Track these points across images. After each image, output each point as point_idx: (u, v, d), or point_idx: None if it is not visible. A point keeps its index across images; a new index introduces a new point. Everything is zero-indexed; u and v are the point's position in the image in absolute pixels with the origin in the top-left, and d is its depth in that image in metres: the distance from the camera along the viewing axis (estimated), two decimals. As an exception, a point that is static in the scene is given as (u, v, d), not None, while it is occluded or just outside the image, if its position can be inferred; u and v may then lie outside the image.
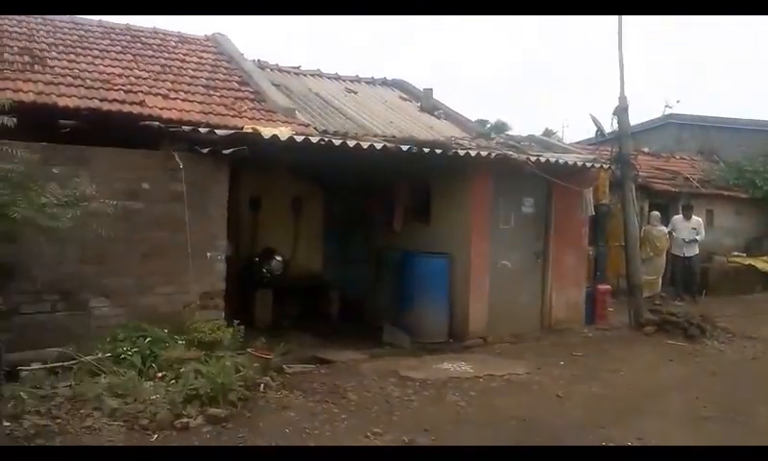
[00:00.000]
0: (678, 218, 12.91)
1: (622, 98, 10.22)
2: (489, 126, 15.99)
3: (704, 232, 12.85)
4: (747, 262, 14.29)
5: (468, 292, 8.54)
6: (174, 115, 8.28)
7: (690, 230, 12.64)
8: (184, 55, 10.58)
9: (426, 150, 7.81)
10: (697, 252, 12.72)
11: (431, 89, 13.28)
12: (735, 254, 14.67)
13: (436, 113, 12.68)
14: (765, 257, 14.69)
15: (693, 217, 12.83)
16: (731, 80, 40.69)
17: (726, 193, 15.12)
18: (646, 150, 16.77)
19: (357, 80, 13.60)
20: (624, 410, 6.07)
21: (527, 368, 7.35)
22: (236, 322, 6.17)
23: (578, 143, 15.82)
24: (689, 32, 37.00)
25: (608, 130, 10.78)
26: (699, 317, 9.68)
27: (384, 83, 14.05)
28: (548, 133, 19.97)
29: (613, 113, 10.35)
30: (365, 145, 7.34)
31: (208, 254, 6.61)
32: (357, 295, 9.67)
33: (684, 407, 6.25)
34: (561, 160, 9.12)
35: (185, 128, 7.10)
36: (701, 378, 7.40)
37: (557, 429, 5.43)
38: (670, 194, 14.18)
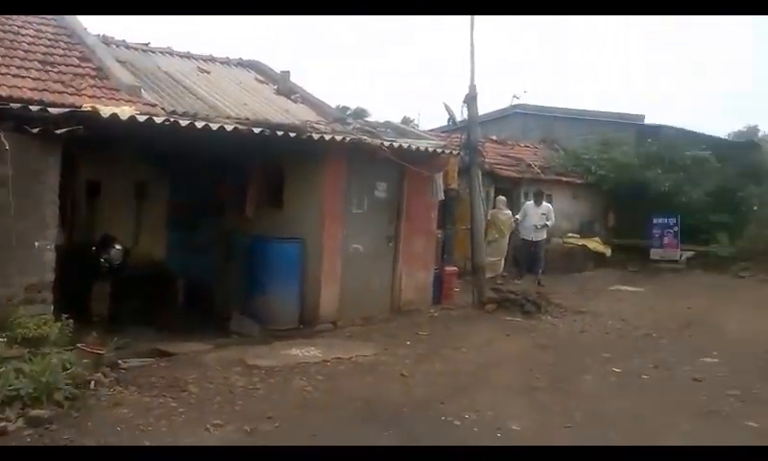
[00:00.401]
0: (529, 204, 13.70)
1: (472, 87, 10.69)
2: (349, 112, 16.04)
3: (553, 218, 13.71)
4: (580, 243, 15.54)
5: (320, 277, 8.59)
6: (3, 92, 7.60)
7: (540, 215, 13.38)
8: (19, 27, 9.69)
9: (280, 133, 7.73)
10: (545, 236, 13.58)
11: (288, 72, 13.11)
12: (570, 235, 15.90)
13: (293, 97, 12.54)
14: (596, 238, 16.08)
15: (543, 203, 13.64)
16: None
17: (564, 179, 16.30)
18: (494, 138, 17.64)
19: (211, 59, 13.16)
20: (463, 385, 6.41)
21: (375, 349, 7.54)
22: (65, 316, 5.79)
23: (432, 130, 16.34)
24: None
25: (459, 118, 11.20)
26: (535, 294, 10.43)
27: (240, 64, 13.69)
28: (406, 120, 20.55)
29: (464, 102, 10.78)
30: (214, 126, 7.10)
31: (36, 244, 6.13)
32: (206, 283, 9.41)
33: (518, 379, 6.71)
34: (413, 146, 9.36)
35: (14, 105, 6.52)
36: (534, 352, 7.96)
37: (399, 407, 5.61)
38: (514, 180, 15.10)
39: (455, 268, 11.07)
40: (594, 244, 15.80)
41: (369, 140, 8.98)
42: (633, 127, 19.53)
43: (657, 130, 18.60)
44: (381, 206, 9.52)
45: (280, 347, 7.42)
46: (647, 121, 20.19)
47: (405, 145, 9.19)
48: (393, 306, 9.61)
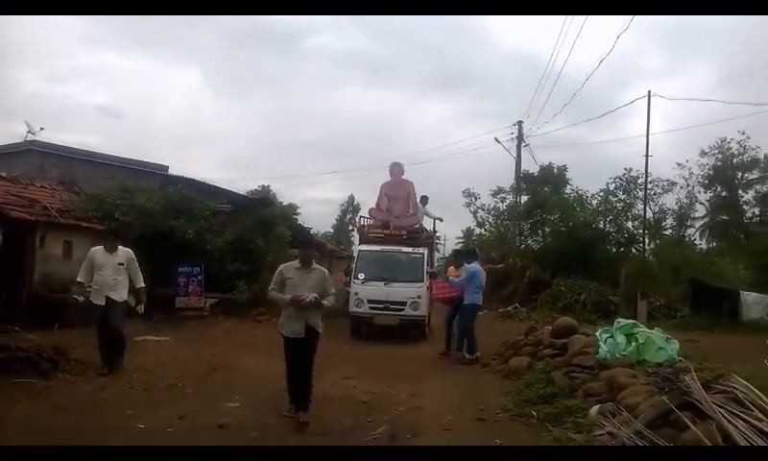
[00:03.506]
0: (97, 251, 9.64)
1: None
2: None
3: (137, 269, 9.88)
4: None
5: None
6: None
7: (117, 266, 9.52)
8: None
9: None
10: (125, 296, 9.65)
11: None
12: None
13: None
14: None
15: (120, 248, 9.74)
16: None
17: (84, 224, 15.13)
18: (3, 175, 15.58)
19: None
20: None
21: None
22: None
23: None
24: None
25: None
26: (52, 350, 9.24)
27: None
28: None
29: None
30: None
31: None
32: None
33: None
34: None
35: None
36: (50, 416, 6.98)
37: None
38: (27, 223, 13.39)
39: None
40: (118, 294, 15.07)
41: None
42: (157, 176, 19.82)
43: (180, 181, 19.14)
44: None
45: None
46: (171, 172, 20.76)
47: None
48: None
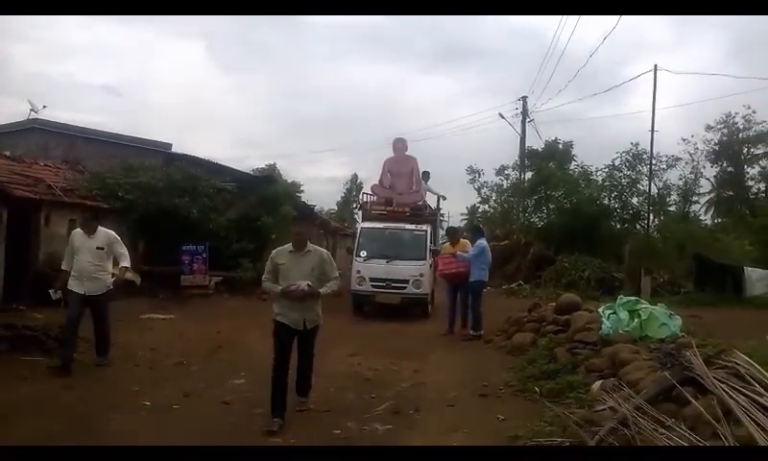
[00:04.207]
0: (77, 233, 8.56)
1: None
2: None
3: (125, 251, 8.77)
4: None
5: None
6: None
7: (96, 251, 8.30)
8: None
9: None
10: (110, 283, 8.57)
11: None
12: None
13: None
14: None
15: (101, 230, 8.56)
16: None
17: (89, 203, 15.13)
18: (7, 153, 15.59)
19: None
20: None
21: None
22: None
23: None
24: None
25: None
26: (58, 329, 9.30)
27: None
28: None
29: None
30: None
31: None
32: None
33: (38, 431, 5.75)
34: None
35: None
36: (58, 393, 7.05)
37: None
38: (32, 201, 13.42)
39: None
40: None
41: None
42: (160, 154, 19.83)
43: (184, 159, 19.14)
44: None
45: None
46: (175, 150, 20.76)
47: None
48: None
